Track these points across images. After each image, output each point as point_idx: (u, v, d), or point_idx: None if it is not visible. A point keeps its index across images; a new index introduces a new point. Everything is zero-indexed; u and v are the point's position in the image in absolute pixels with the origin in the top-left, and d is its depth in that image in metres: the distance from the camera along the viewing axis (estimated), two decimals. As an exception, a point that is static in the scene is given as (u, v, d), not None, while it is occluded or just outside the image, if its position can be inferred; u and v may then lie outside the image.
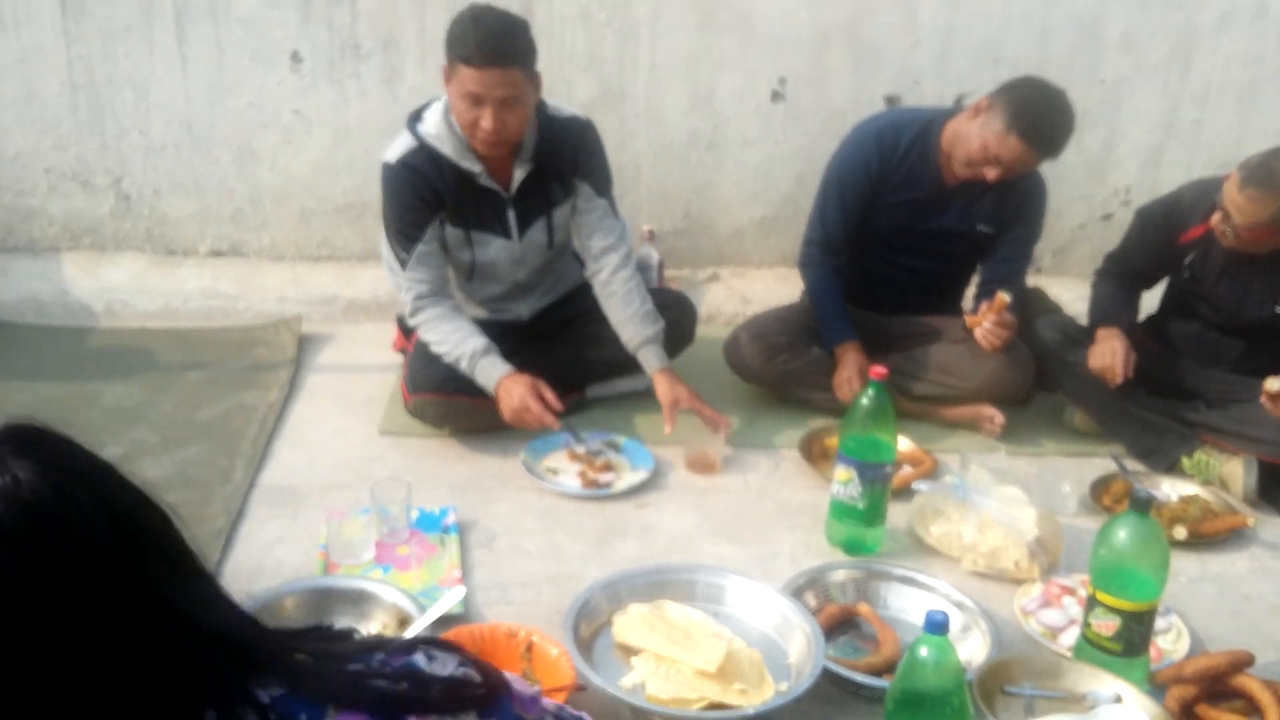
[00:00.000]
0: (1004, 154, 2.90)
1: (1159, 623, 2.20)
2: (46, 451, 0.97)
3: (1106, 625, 2.05)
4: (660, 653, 2.06)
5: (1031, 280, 3.40)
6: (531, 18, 3.03)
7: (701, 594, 2.28)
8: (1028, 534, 2.46)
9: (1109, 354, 2.92)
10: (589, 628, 2.16)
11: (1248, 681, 2.05)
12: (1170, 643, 2.26)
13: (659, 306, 3.06)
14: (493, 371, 2.85)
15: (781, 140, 3.98)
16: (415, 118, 2.88)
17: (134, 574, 0.97)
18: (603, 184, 3.01)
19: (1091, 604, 2.08)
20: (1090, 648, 2.09)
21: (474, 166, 2.84)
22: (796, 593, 2.29)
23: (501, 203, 2.92)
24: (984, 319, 3.00)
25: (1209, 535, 2.65)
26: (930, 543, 2.58)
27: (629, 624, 2.15)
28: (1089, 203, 4.12)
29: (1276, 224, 2.68)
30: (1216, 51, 3.92)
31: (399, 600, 2.23)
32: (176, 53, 3.78)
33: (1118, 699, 1.96)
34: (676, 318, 3.17)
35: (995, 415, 3.09)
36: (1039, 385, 3.18)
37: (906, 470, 2.87)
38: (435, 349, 2.90)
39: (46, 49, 3.76)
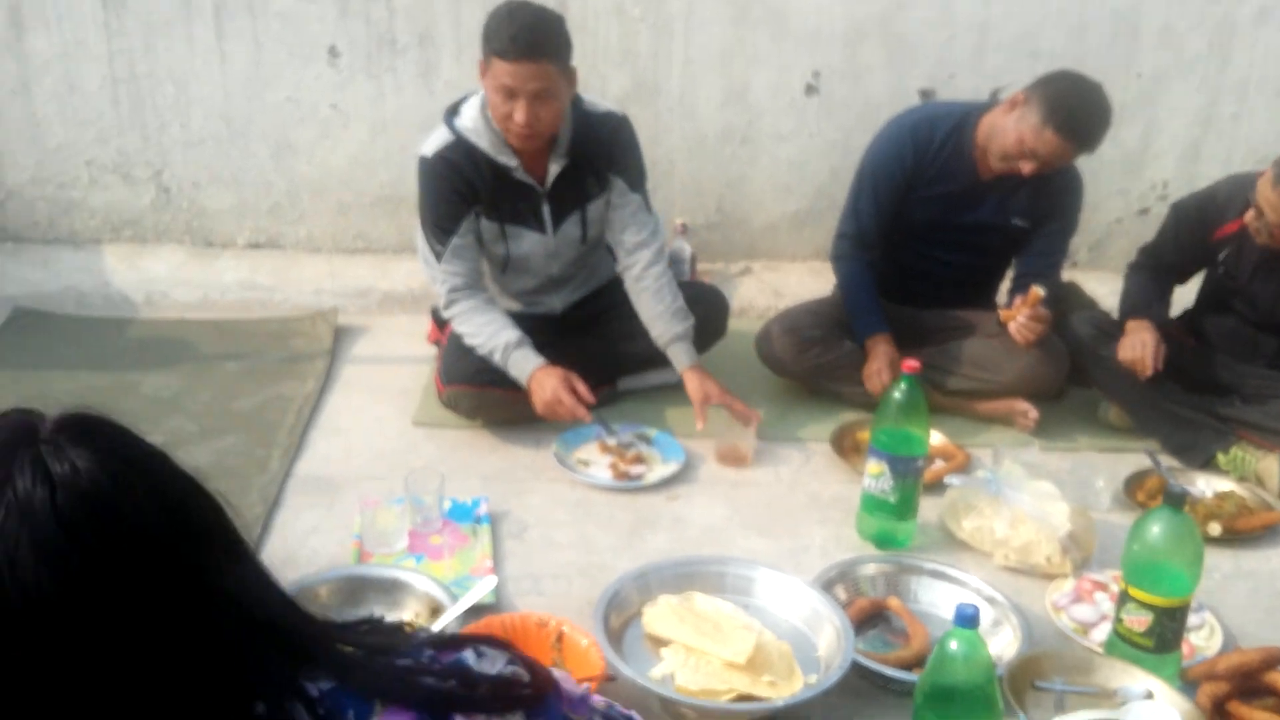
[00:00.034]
0: (1040, 148, 2.88)
1: (1192, 619, 2.19)
2: (103, 440, 0.96)
3: (1139, 621, 2.05)
4: (690, 644, 2.08)
5: (1067, 275, 3.38)
6: (566, 12, 3.04)
7: (731, 586, 2.29)
8: (1060, 529, 2.45)
9: (1138, 346, 2.90)
10: (619, 618, 2.18)
11: (1281, 679, 2.04)
12: (1203, 639, 2.25)
13: (691, 300, 3.07)
14: (525, 364, 2.87)
15: (815, 134, 3.97)
16: (452, 112, 2.90)
17: (187, 562, 0.96)
18: (637, 179, 3.02)
19: (1124, 599, 2.07)
20: (1122, 643, 2.08)
21: (509, 160, 2.86)
22: (827, 586, 2.29)
23: (536, 197, 2.94)
24: (1018, 313, 2.99)
25: (1244, 532, 2.63)
26: (962, 537, 2.57)
27: (659, 615, 2.17)
28: (1125, 197, 4.09)
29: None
30: (1255, 45, 3.87)
31: (431, 589, 2.25)
32: (215, 47, 3.82)
33: (1149, 695, 1.95)
34: (708, 311, 3.18)
35: (1029, 410, 3.08)
36: (1073, 380, 3.16)
37: (938, 465, 2.87)
38: (469, 341, 2.92)
39: (88, 43, 3.81)
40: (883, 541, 2.55)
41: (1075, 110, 2.86)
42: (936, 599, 2.34)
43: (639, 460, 2.87)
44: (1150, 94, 3.93)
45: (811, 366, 3.18)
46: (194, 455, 2.87)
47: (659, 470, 2.85)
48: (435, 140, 2.88)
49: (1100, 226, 4.09)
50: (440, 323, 3.17)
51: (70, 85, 3.86)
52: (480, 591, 2.25)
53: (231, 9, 3.77)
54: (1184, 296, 3.18)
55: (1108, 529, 2.57)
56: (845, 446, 2.97)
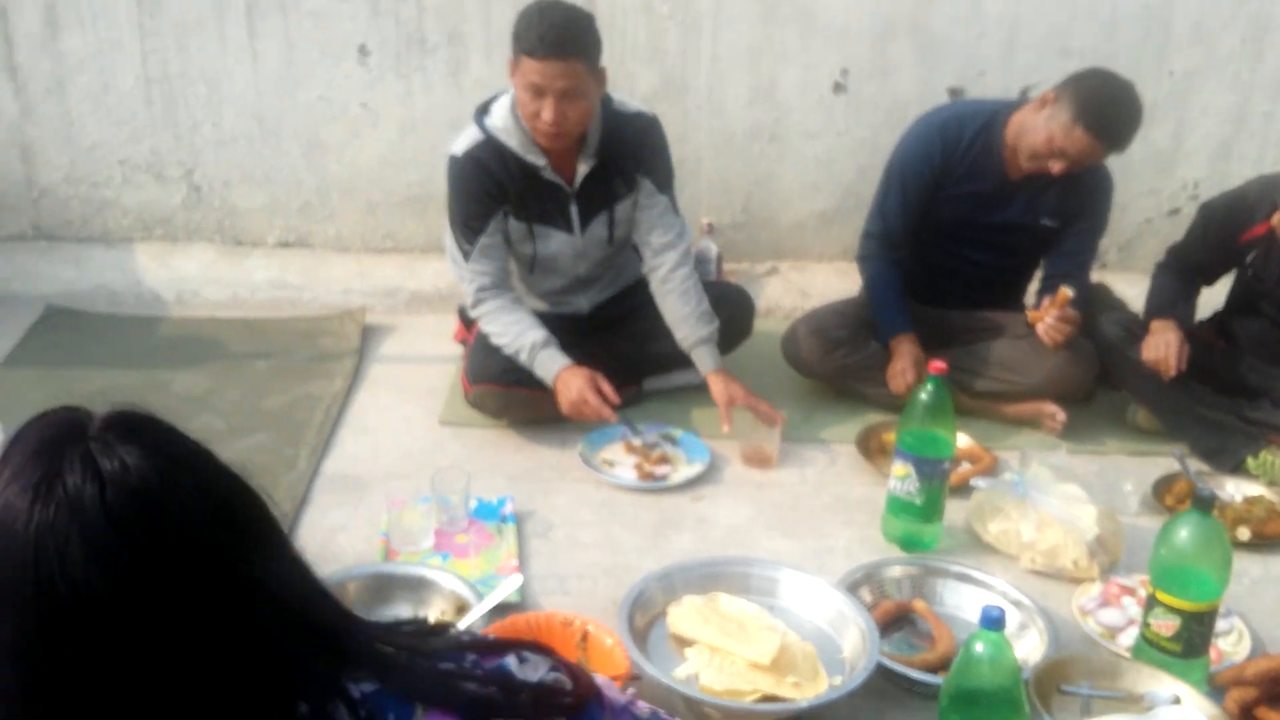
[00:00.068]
0: (1070, 147, 2.86)
1: (1220, 624, 2.18)
2: (150, 437, 0.97)
3: (1166, 625, 2.03)
4: (714, 644, 2.08)
5: (1096, 276, 3.35)
6: (594, 10, 3.05)
7: (756, 587, 2.29)
8: (1087, 532, 2.44)
9: (1162, 346, 2.88)
10: (644, 618, 2.18)
11: (1310, 685, 2.02)
12: (1231, 644, 2.23)
13: (716, 300, 3.07)
14: (552, 364, 2.88)
15: (843, 132, 3.96)
16: (483, 111, 2.91)
17: (232, 559, 0.96)
18: (664, 181, 3.02)
19: (1151, 603, 2.06)
20: (1149, 648, 2.07)
21: (538, 160, 2.86)
22: (852, 588, 2.29)
23: (564, 197, 2.94)
24: (1046, 314, 2.97)
25: (1273, 537, 2.61)
26: (988, 540, 2.56)
27: (683, 615, 2.17)
28: (1156, 197, 4.06)
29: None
30: (1290, 43, 3.84)
31: (457, 587, 2.27)
32: (247, 46, 3.85)
33: (1176, 700, 1.94)
34: (734, 311, 3.18)
35: (1056, 412, 3.06)
36: (1102, 383, 3.14)
37: (965, 467, 2.85)
38: (495, 340, 2.93)
39: (122, 43, 3.85)
40: (908, 544, 2.54)
41: (1106, 109, 2.84)
42: (962, 602, 2.33)
43: (664, 461, 2.87)
44: (1182, 92, 3.90)
45: (837, 367, 3.17)
46: (223, 453, 2.86)
47: (684, 471, 2.85)
48: (465, 139, 2.89)
49: (1130, 227, 4.06)
50: (467, 322, 3.18)
51: (104, 85, 3.90)
52: (506, 590, 2.26)
53: (263, 8, 3.80)
54: (1214, 298, 3.15)
55: (1136, 533, 2.55)
56: (871, 448, 2.97)
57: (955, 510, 2.62)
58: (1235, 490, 2.80)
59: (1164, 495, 2.76)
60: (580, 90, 2.71)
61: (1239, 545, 2.48)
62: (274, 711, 0.96)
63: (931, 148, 3.08)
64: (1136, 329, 3.04)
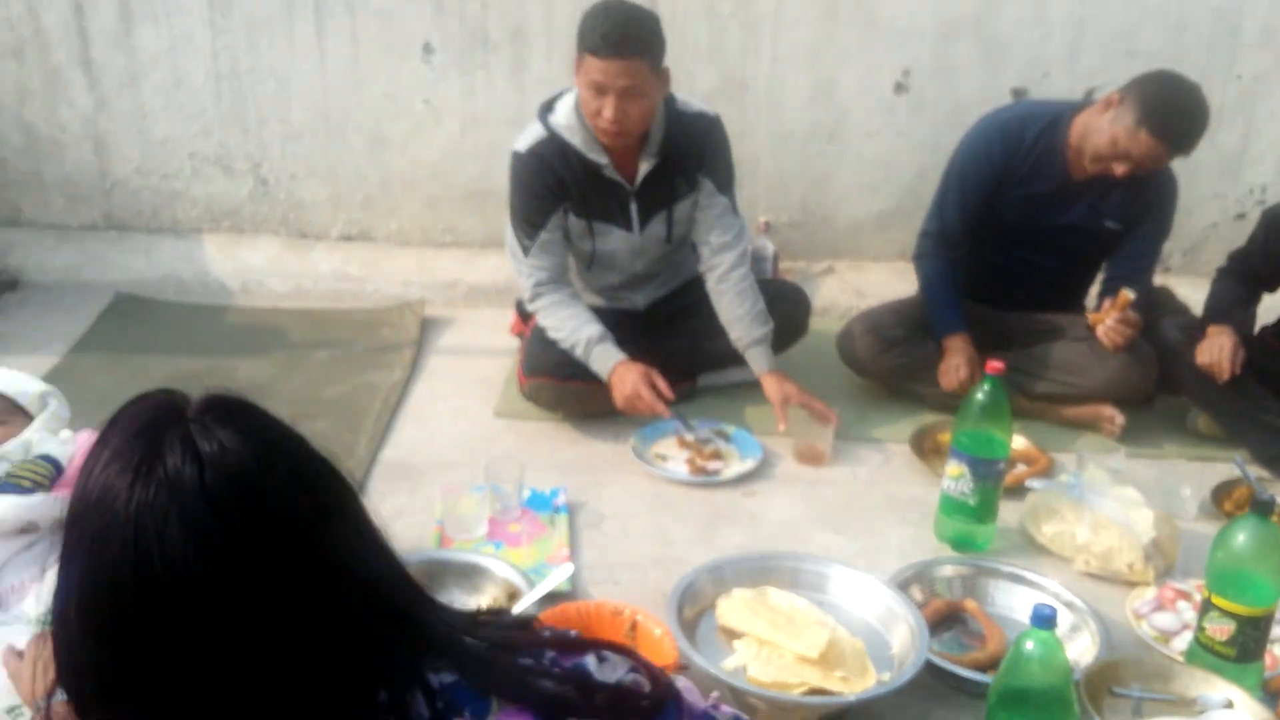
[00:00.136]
0: (1134, 149, 2.83)
1: (1276, 630, 2.14)
2: (246, 421, 0.97)
3: (1221, 629, 2.01)
4: (763, 637, 2.09)
5: (1159, 279, 3.32)
6: (655, 10, 3.06)
7: (805, 582, 2.28)
8: (1144, 536, 2.41)
9: (1216, 349, 2.85)
10: (693, 610, 2.19)
11: (1370, 695, 1.99)
12: (1289, 651, 2.20)
13: (772, 298, 3.07)
14: (607, 359, 2.90)
15: (904, 133, 3.95)
16: (547, 108, 2.94)
17: (322, 545, 0.96)
18: (725, 181, 3.03)
19: (1206, 607, 2.04)
20: (1203, 652, 2.05)
21: (600, 158, 2.89)
22: (903, 586, 2.28)
23: (625, 195, 2.97)
24: (1107, 316, 2.94)
25: (1336, 545, 2.56)
26: (1042, 542, 2.54)
27: (732, 607, 2.18)
28: (1222, 201, 4.00)
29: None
30: (1363, 47, 3.76)
31: (509, 575, 2.30)
32: (315, 44, 3.92)
33: (1229, 704, 1.92)
34: (790, 309, 3.19)
35: (1115, 415, 3.03)
36: (1163, 387, 3.09)
37: (1020, 468, 2.83)
38: (552, 334, 2.96)
39: (195, 39, 3.93)
40: (961, 544, 2.53)
41: (1172, 111, 2.80)
42: (1014, 603, 2.31)
43: (716, 456, 2.88)
44: (1250, 96, 3.84)
45: (893, 367, 3.17)
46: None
47: (736, 466, 2.86)
48: (529, 136, 2.92)
49: (1195, 231, 4.01)
50: (524, 316, 3.21)
51: (176, 80, 3.99)
52: (557, 578, 2.29)
53: (332, 6, 3.87)
54: (1277, 304, 3.10)
55: (1193, 538, 2.52)
56: (925, 448, 2.96)
57: (1009, 512, 2.61)
58: (1296, 498, 2.76)
59: (1223, 501, 2.72)
60: (642, 89, 2.73)
61: (1299, 553, 2.44)
62: (355, 697, 0.97)
63: (992, 148, 3.06)
64: (1197, 333, 3.00)
